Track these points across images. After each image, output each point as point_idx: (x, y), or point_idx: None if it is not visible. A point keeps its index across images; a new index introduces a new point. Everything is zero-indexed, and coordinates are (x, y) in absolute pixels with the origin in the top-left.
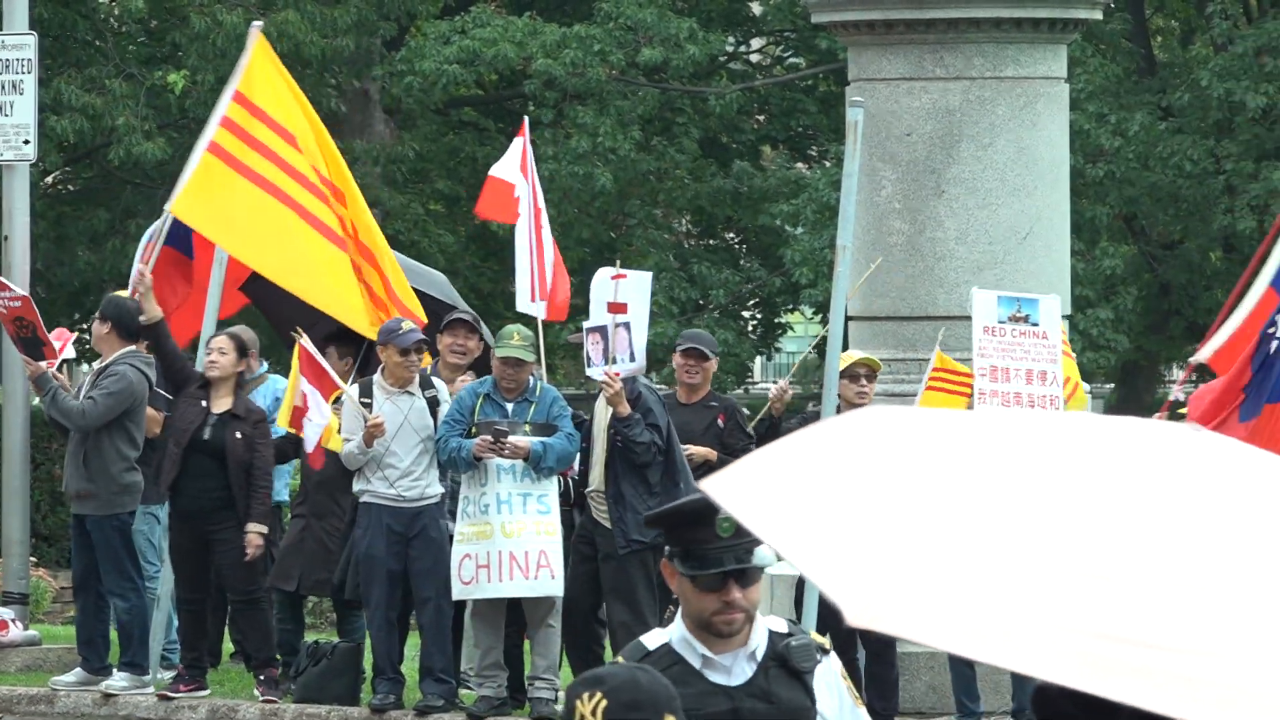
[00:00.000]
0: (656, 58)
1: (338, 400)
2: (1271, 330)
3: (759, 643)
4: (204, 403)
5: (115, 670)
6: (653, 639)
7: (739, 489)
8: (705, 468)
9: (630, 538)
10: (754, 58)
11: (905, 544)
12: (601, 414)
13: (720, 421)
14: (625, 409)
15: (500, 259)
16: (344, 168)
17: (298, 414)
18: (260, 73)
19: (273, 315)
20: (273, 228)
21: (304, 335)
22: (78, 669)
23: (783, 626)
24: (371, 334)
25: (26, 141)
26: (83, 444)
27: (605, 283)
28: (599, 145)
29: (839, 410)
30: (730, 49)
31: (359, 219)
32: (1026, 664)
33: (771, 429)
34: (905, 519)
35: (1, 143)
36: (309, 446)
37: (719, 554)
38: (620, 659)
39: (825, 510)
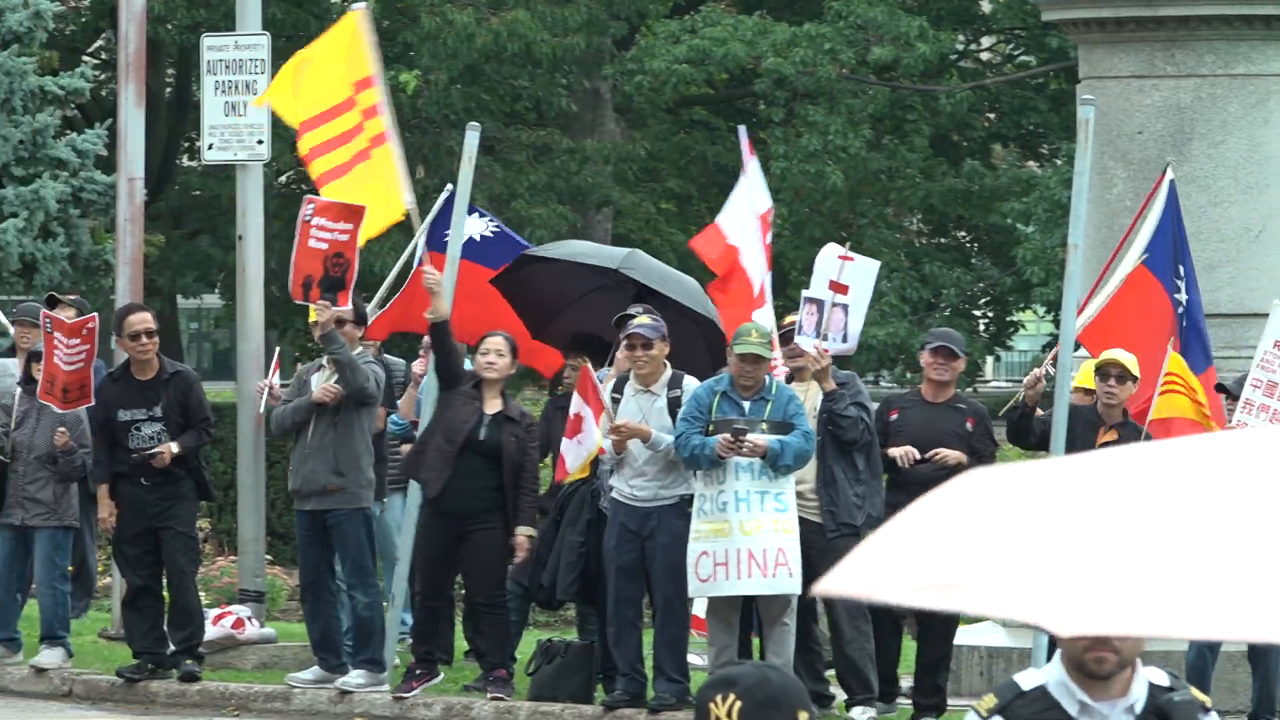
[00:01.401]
0: (887, 56)
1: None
2: (1179, 299)
3: (1139, 695)
4: (477, 402)
5: (351, 667)
6: (1028, 679)
7: (892, 572)
8: (952, 471)
9: (840, 521)
10: (984, 56)
11: (1086, 558)
12: (810, 400)
13: (969, 425)
14: (830, 384)
15: None
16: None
17: (570, 428)
18: (356, 49)
19: (524, 312)
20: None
21: (589, 363)
22: (315, 666)
23: (1164, 680)
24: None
25: (260, 141)
26: (328, 437)
27: (832, 260)
28: (830, 144)
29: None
30: (960, 47)
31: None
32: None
33: (1024, 417)
34: (1077, 540)
35: (235, 142)
36: (570, 466)
37: None
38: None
39: (997, 555)
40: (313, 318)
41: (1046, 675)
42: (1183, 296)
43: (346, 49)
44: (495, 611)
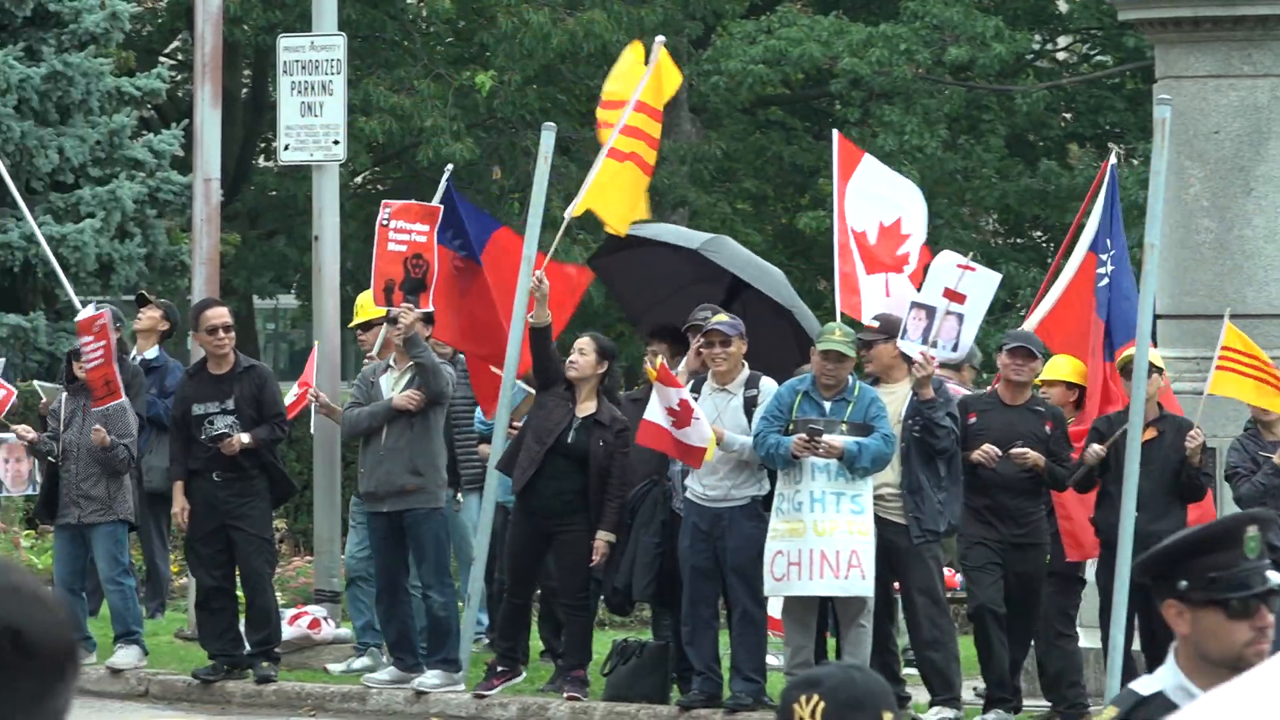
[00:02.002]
0: (963, 56)
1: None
2: (1103, 272)
3: None
4: (570, 404)
5: (427, 667)
6: (1145, 685)
7: None
8: (1031, 472)
9: (925, 528)
10: (1060, 56)
11: None
12: (894, 406)
13: (1048, 428)
14: (929, 393)
15: (807, 257)
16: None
17: (680, 418)
18: (655, 81)
19: (625, 301)
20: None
21: (661, 357)
22: (390, 666)
23: None
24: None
25: (336, 142)
26: (404, 439)
27: (949, 268)
28: (905, 144)
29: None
30: (1036, 47)
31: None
32: None
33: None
34: None
35: (311, 143)
36: (702, 442)
37: (1247, 576)
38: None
39: None
40: (361, 317)
41: (1162, 681)
42: (1106, 270)
43: (652, 79)
44: (579, 614)
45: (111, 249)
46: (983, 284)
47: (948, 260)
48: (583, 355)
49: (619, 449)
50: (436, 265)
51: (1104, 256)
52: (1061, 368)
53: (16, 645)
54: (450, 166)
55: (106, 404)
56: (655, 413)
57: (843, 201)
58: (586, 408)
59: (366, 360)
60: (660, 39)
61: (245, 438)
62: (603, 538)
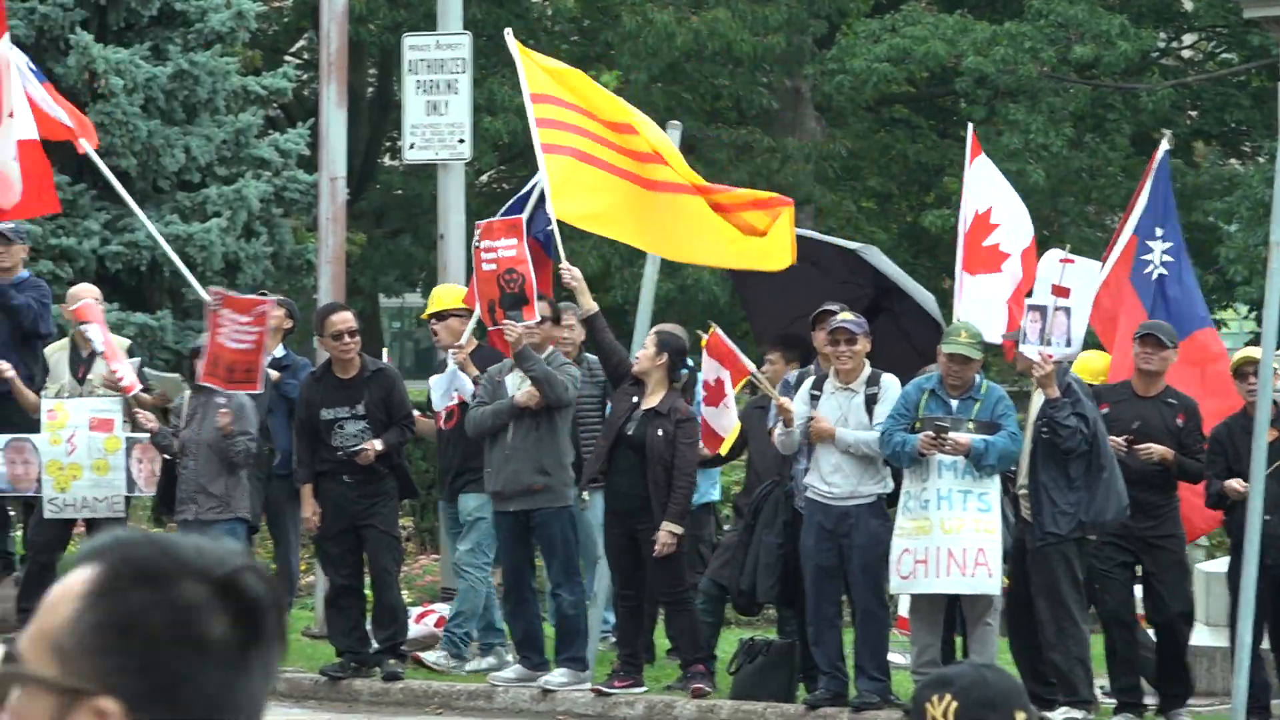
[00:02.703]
0: (1088, 54)
1: (747, 385)
2: (1148, 259)
3: None
4: (635, 398)
5: (554, 666)
6: None
7: None
8: (1160, 466)
9: (1046, 530)
10: (1185, 54)
11: None
12: (1033, 405)
13: (1180, 420)
14: (1054, 391)
15: (931, 255)
16: (623, 106)
17: (713, 395)
18: (531, 72)
19: (756, 312)
20: (631, 205)
21: (716, 326)
22: (516, 665)
23: None
24: (775, 260)
25: (461, 140)
26: (530, 438)
27: (1053, 265)
28: (1031, 142)
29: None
30: (1161, 45)
31: (663, 149)
32: None
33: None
34: None
35: (437, 142)
36: (724, 431)
37: None
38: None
39: None
40: (433, 308)
41: None
42: (1154, 258)
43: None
44: (679, 608)
45: (237, 248)
46: (1085, 275)
47: (1051, 257)
48: (643, 349)
49: (680, 439)
50: (533, 274)
51: (1151, 244)
52: (1088, 362)
53: (279, 618)
54: (536, 178)
55: (242, 389)
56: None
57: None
58: (651, 400)
59: (443, 352)
60: (507, 30)
61: (378, 444)
62: (667, 529)
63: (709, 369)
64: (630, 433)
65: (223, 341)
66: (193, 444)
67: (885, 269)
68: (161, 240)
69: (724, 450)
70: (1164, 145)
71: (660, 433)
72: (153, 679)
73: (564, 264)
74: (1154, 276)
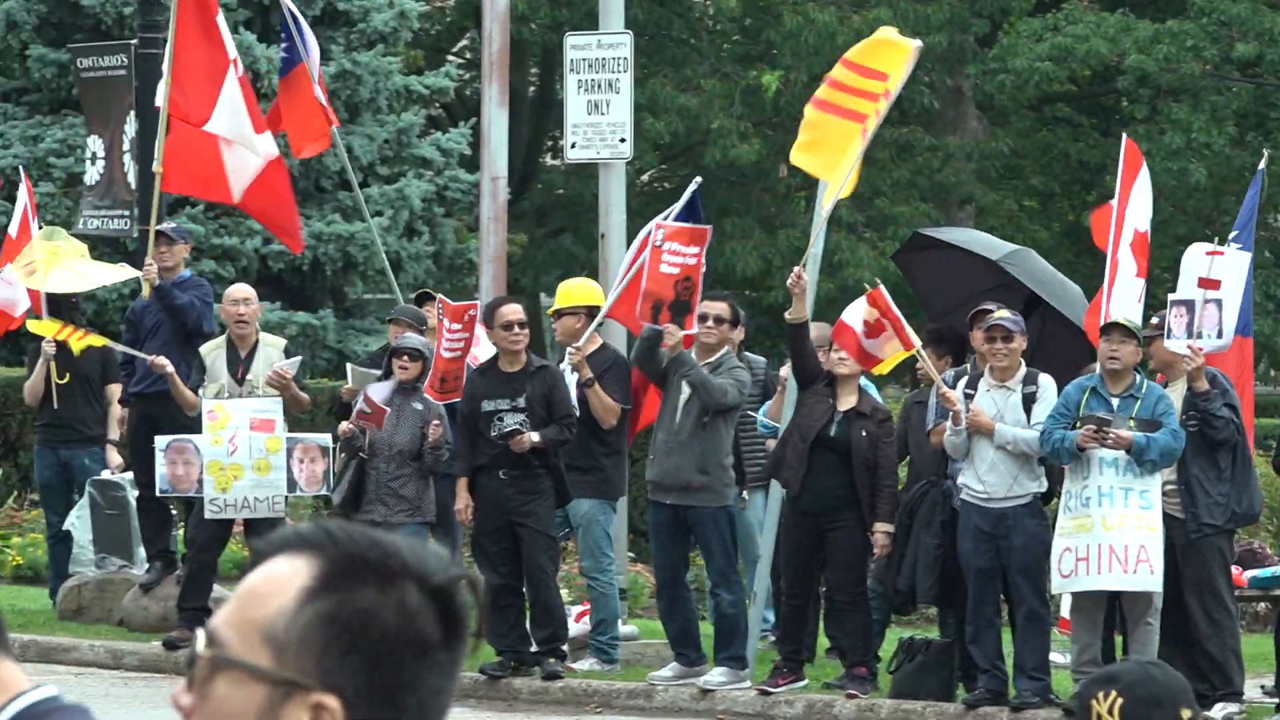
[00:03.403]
0: (1250, 52)
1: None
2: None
3: None
4: (831, 400)
5: (713, 664)
6: None
7: None
8: None
9: (1201, 522)
10: None
11: None
12: (1177, 402)
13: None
14: (1203, 384)
15: (1093, 254)
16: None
17: (873, 328)
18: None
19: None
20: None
21: (881, 286)
22: (674, 664)
23: None
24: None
25: (623, 140)
26: (695, 434)
27: (1199, 258)
28: (1193, 141)
29: None
30: None
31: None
32: None
33: None
34: None
35: (598, 141)
36: (884, 355)
37: None
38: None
39: None
40: (558, 304)
41: None
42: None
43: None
44: (857, 609)
45: (399, 247)
46: (1235, 265)
47: (1196, 251)
48: (836, 353)
49: (883, 439)
50: (701, 285)
51: (1236, 247)
52: None
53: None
54: (698, 180)
55: (450, 399)
56: (852, 317)
57: (1125, 202)
58: (848, 401)
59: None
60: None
61: (535, 436)
62: (881, 529)
63: (870, 314)
64: (833, 434)
65: (441, 352)
66: (384, 445)
67: (1031, 281)
68: (379, 237)
69: (883, 370)
70: (1264, 162)
71: (864, 433)
72: (376, 679)
73: (798, 269)
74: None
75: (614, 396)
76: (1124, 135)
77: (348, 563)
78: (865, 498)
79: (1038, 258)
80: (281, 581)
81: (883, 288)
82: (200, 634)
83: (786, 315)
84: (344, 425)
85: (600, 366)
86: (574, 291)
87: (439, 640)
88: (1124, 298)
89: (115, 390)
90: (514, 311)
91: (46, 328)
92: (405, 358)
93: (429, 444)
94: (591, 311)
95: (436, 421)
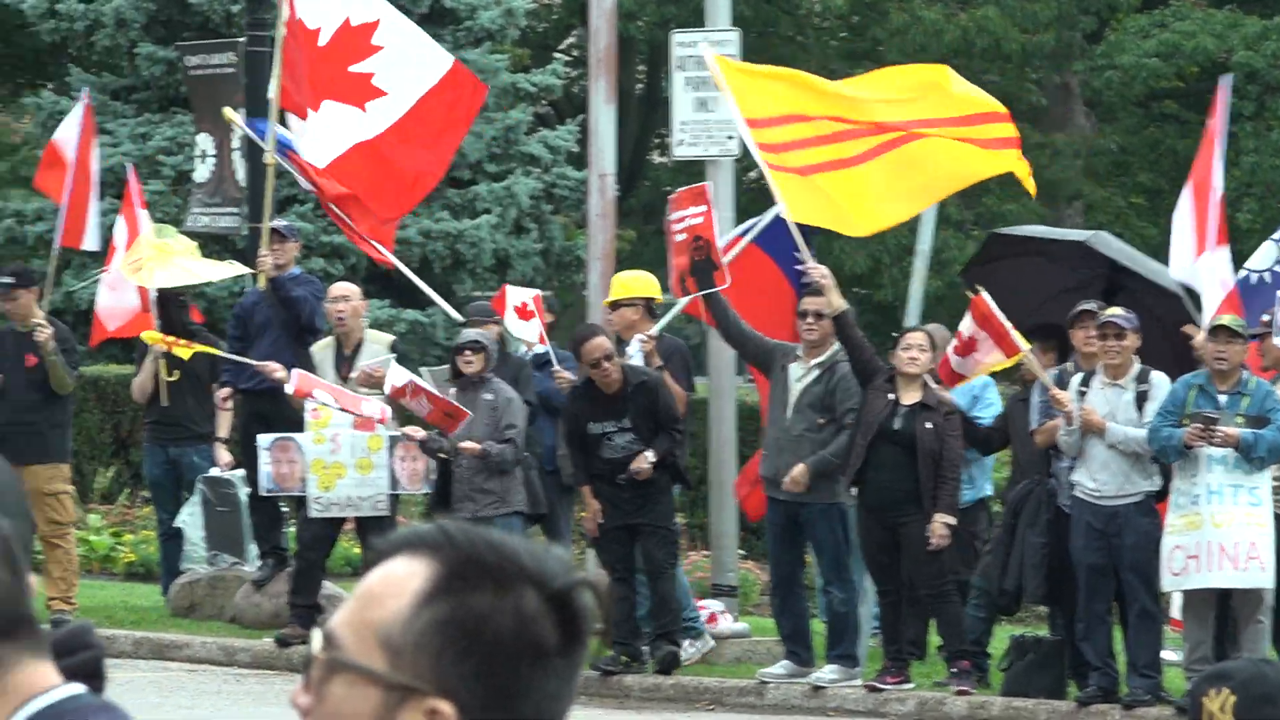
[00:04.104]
0: None
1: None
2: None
3: None
4: (891, 395)
5: (824, 662)
6: None
7: None
8: None
9: None
10: None
11: None
12: None
13: None
14: None
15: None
16: (825, 89)
17: (964, 347)
18: (740, 92)
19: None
20: (854, 192)
21: (984, 291)
22: (785, 661)
23: None
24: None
25: (730, 137)
26: (808, 433)
27: None
28: None
29: None
30: None
31: (878, 92)
32: None
33: None
34: None
35: (706, 138)
36: (971, 372)
37: None
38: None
39: None
40: (612, 296)
41: None
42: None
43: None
44: (942, 601)
45: (508, 244)
46: None
47: None
48: (923, 352)
49: (948, 432)
50: (718, 240)
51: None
52: None
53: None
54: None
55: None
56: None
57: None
58: (911, 395)
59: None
60: (705, 47)
61: (651, 456)
62: (940, 520)
63: (966, 327)
64: (896, 427)
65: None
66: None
67: (1117, 253)
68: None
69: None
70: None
71: (929, 426)
72: (491, 685)
73: (810, 262)
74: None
75: (679, 384)
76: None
77: (465, 565)
78: (928, 490)
79: (1114, 238)
80: (399, 583)
81: (985, 294)
82: (317, 635)
83: (825, 310)
84: (421, 432)
85: (663, 355)
86: (631, 283)
87: (556, 645)
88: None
89: (224, 389)
90: (598, 348)
91: (157, 338)
92: (467, 352)
93: (463, 451)
94: (649, 303)
95: (466, 444)
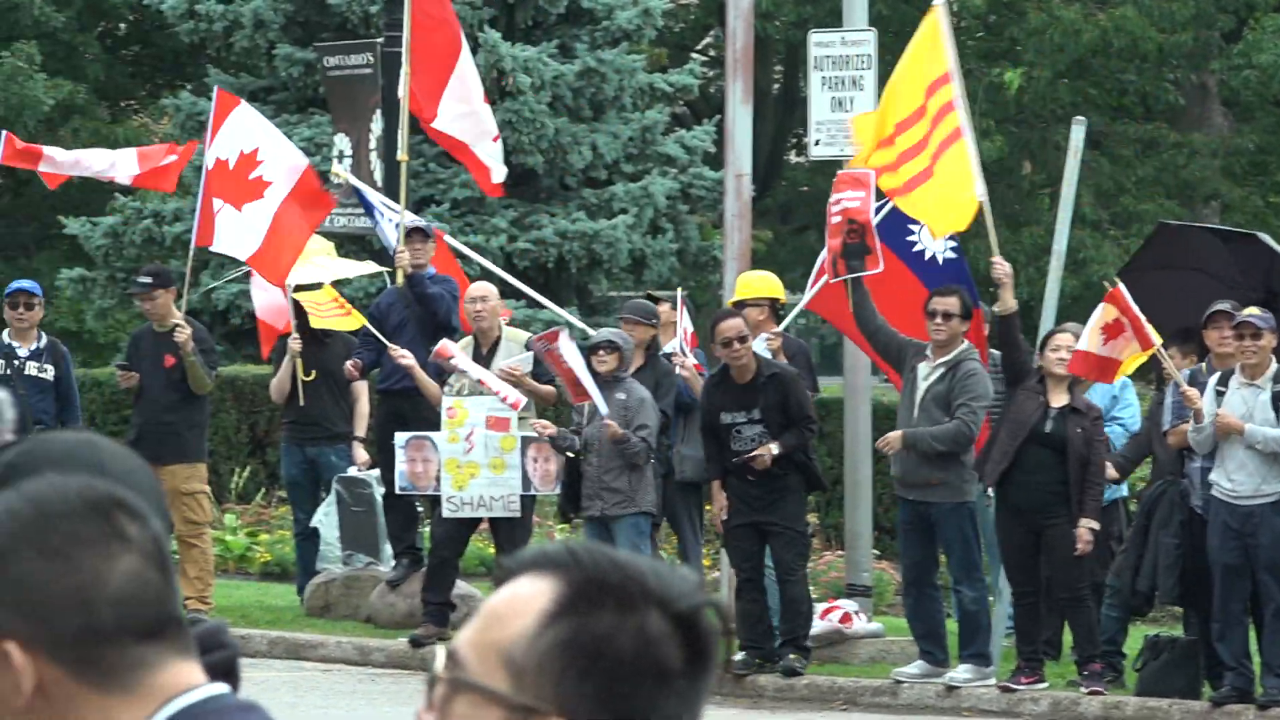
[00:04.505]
0: None
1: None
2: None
3: None
4: (1042, 396)
5: (958, 662)
6: None
7: None
8: None
9: None
10: None
11: None
12: None
13: None
14: None
15: None
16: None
17: (1112, 329)
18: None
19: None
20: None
21: (1121, 284)
22: (919, 661)
23: None
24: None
25: None
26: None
27: None
28: None
29: None
30: None
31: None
32: None
33: None
34: None
35: (842, 138)
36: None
37: None
38: None
39: None
40: (737, 296)
41: None
42: None
43: (927, 50)
44: (1078, 606)
45: (644, 244)
46: None
47: None
48: (1070, 351)
49: (1095, 436)
50: (874, 224)
51: None
52: None
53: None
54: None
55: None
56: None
57: None
58: (1061, 398)
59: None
60: (938, 2)
61: (775, 448)
62: (1086, 525)
63: (1108, 315)
64: (1048, 430)
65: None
66: (595, 440)
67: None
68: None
69: (1125, 372)
70: None
71: (1079, 430)
72: (613, 708)
73: (996, 257)
74: None
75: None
76: None
77: (588, 586)
78: (1076, 494)
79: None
80: (522, 603)
81: (1122, 286)
82: (441, 653)
83: (995, 308)
84: (550, 429)
85: (787, 355)
86: (755, 283)
87: (680, 668)
88: None
89: (361, 388)
90: (732, 328)
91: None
92: (601, 351)
93: (610, 438)
94: (773, 303)
95: (607, 421)
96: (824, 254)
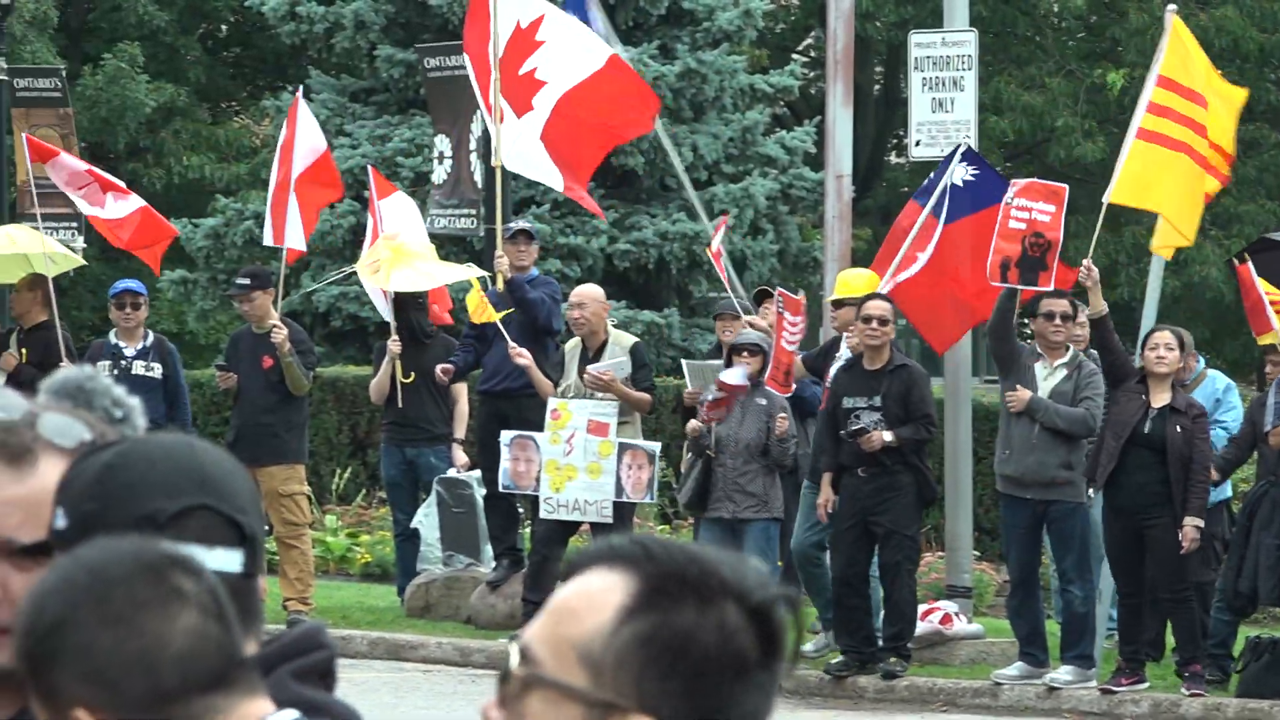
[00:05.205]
0: None
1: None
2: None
3: None
4: (1144, 396)
5: (1058, 664)
6: None
7: None
8: None
9: None
10: None
11: None
12: None
13: None
14: None
15: None
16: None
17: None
18: (1175, 52)
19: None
20: (1189, 185)
21: (1249, 261)
22: (1019, 662)
23: None
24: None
25: (967, 138)
26: (1055, 431)
27: None
28: None
29: None
30: None
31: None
32: None
33: None
34: None
35: (943, 139)
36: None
37: None
38: None
39: None
40: (836, 294)
41: None
42: None
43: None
44: (1180, 606)
45: (744, 246)
46: None
47: None
48: (1170, 351)
49: (1197, 435)
50: (1058, 242)
51: None
52: None
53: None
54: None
55: (789, 392)
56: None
57: None
58: (1162, 397)
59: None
60: (1171, 7)
61: (887, 435)
62: (1189, 523)
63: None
64: (1148, 431)
65: (783, 345)
66: (731, 441)
67: None
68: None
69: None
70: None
71: (1179, 429)
72: (695, 702)
73: (1087, 261)
74: None
75: None
76: None
77: (666, 580)
78: (1179, 494)
79: None
80: (597, 598)
81: (1250, 263)
82: (513, 649)
83: (1086, 311)
84: (692, 424)
85: None
86: (854, 282)
87: (757, 660)
88: None
89: (461, 390)
90: (878, 307)
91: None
92: (745, 353)
93: (775, 435)
94: None
95: (783, 414)
96: (929, 244)
